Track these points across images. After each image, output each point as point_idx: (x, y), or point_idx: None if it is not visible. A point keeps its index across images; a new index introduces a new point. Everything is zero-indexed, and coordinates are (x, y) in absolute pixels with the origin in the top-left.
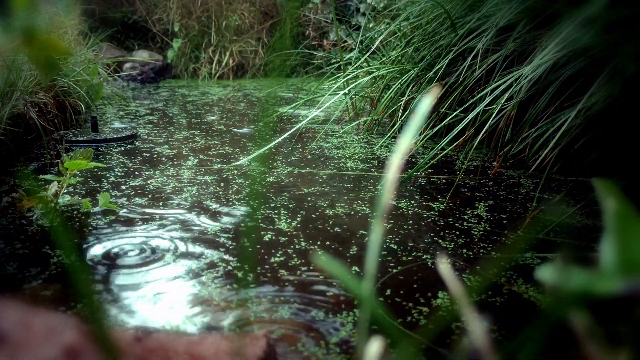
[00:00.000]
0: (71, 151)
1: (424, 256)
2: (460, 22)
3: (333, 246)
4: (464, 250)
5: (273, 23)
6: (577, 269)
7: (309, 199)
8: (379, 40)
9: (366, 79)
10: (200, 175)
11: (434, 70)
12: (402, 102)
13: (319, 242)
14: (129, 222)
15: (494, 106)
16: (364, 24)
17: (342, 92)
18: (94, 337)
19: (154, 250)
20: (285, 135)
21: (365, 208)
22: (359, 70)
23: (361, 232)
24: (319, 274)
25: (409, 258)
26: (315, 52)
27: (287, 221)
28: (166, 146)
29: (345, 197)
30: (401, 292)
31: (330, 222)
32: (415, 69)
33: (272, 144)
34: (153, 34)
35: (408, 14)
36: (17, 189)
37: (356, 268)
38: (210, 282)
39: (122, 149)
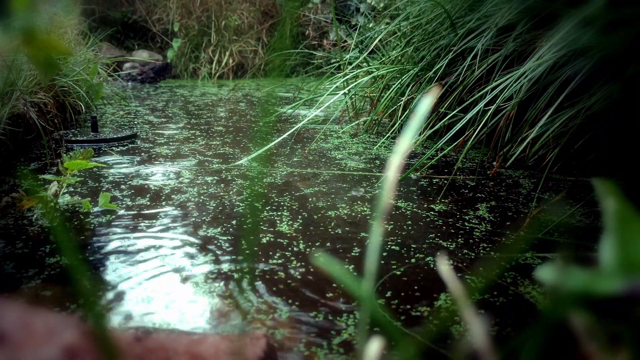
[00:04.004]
0: (71, 151)
1: (426, 258)
2: (460, 22)
3: (334, 247)
4: (465, 251)
5: (273, 23)
6: (577, 269)
7: (310, 199)
8: (378, 39)
9: (366, 78)
10: (201, 175)
11: (433, 70)
12: (402, 102)
13: (318, 243)
14: (128, 223)
15: (494, 106)
16: (363, 23)
17: (342, 92)
18: (94, 337)
19: (152, 251)
20: (285, 136)
21: (365, 208)
22: (359, 70)
23: (362, 233)
24: (320, 274)
25: (411, 260)
26: (315, 52)
27: (289, 222)
28: (166, 146)
29: (346, 198)
30: (402, 293)
31: (332, 223)
32: (415, 69)
33: (272, 144)
34: (153, 33)
35: (407, 13)
36: (17, 188)
37: (357, 270)
38: (211, 283)
39: (123, 148)
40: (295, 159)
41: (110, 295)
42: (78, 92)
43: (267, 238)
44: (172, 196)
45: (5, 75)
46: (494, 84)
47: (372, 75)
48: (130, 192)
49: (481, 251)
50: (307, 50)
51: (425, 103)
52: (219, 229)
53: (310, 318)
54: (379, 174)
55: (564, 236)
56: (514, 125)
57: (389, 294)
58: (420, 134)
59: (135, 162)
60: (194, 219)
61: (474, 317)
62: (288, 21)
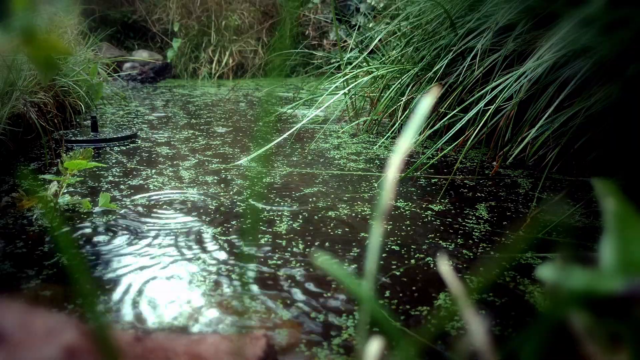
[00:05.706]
0: (71, 151)
1: (426, 258)
2: (460, 22)
3: (334, 247)
4: (465, 251)
5: (273, 23)
6: (577, 268)
7: (310, 199)
8: (378, 39)
9: (366, 78)
10: (201, 175)
11: (433, 70)
12: (402, 102)
13: (317, 243)
14: (128, 223)
15: (494, 106)
16: (363, 23)
17: (342, 92)
18: (93, 337)
19: (152, 251)
20: (285, 135)
21: (365, 208)
22: (359, 70)
23: (362, 233)
24: (320, 274)
25: (411, 260)
26: (315, 52)
27: (288, 223)
28: (166, 146)
29: (346, 198)
30: (402, 293)
31: (332, 223)
32: (415, 69)
33: (271, 144)
34: (153, 33)
35: (407, 13)
36: (17, 188)
37: (357, 271)
38: (211, 283)
39: (123, 148)
40: (295, 159)
41: (110, 295)
42: (78, 92)
43: (267, 238)
44: (172, 196)
45: (5, 75)
46: (494, 84)
47: (372, 75)
48: (130, 192)
49: (481, 251)
50: (307, 50)
51: (425, 103)
52: (218, 229)
53: (310, 318)
54: (379, 174)
55: (563, 236)
56: (514, 125)
57: (388, 294)
58: (420, 134)
59: (135, 162)
60: (193, 219)
61: (473, 317)
62: (288, 21)
